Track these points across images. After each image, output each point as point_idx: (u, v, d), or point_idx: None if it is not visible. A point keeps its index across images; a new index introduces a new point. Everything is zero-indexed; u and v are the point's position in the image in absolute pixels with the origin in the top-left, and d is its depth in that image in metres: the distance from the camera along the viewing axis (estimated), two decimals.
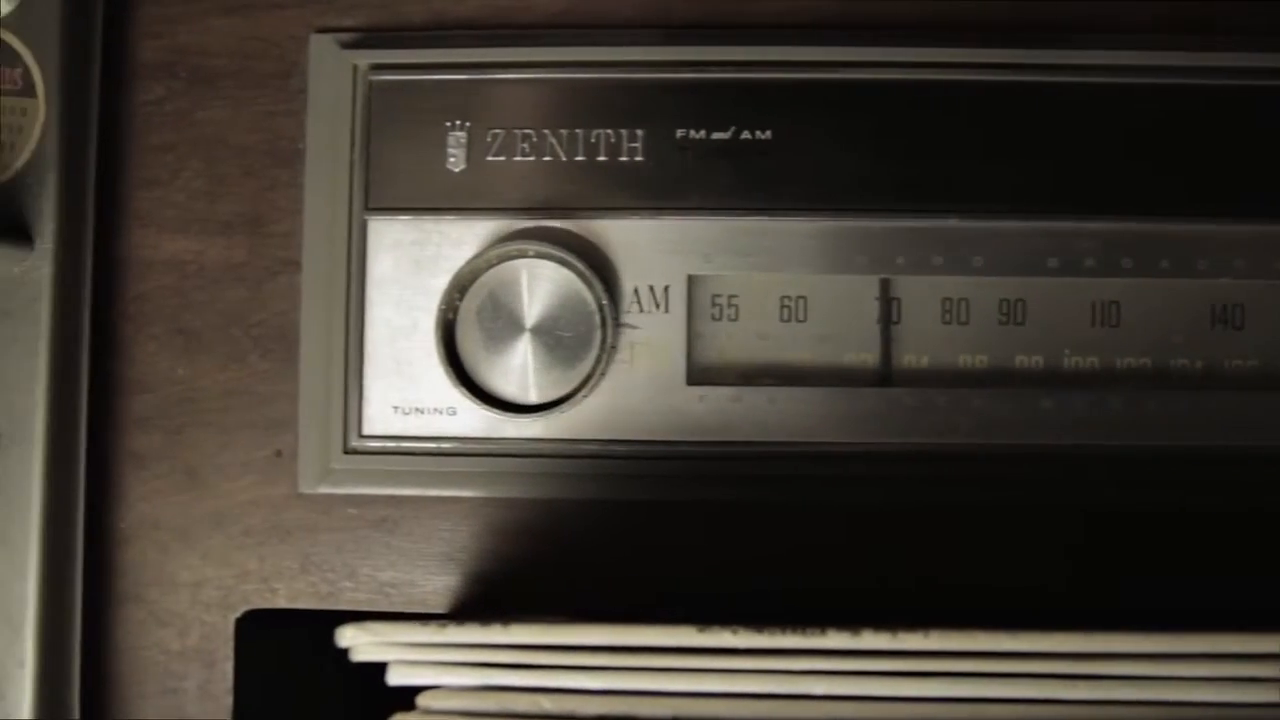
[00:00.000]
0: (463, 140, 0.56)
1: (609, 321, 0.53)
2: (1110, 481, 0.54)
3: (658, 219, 0.55)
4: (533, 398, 0.54)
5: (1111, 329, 0.55)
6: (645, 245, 0.55)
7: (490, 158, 0.56)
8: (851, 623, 0.42)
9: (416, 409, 0.55)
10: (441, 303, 0.53)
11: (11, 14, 0.55)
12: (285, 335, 0.58)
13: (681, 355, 0.55)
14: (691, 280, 0.55)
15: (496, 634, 0.43)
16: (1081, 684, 0.43)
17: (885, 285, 0.55)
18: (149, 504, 0.58)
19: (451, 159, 0.56)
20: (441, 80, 0.56)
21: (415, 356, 0.55)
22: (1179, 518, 0.54)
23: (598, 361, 0.53)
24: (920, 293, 0.55)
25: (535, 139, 0.55)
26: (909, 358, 0.55)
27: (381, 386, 0.56)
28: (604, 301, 0.53)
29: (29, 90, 0.55)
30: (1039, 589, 0.54)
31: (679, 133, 0.55)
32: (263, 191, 0.58)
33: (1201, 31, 0.54)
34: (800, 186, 0.55)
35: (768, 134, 0.55)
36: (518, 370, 0.54)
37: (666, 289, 0.55)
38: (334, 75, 0.57)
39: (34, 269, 0.55)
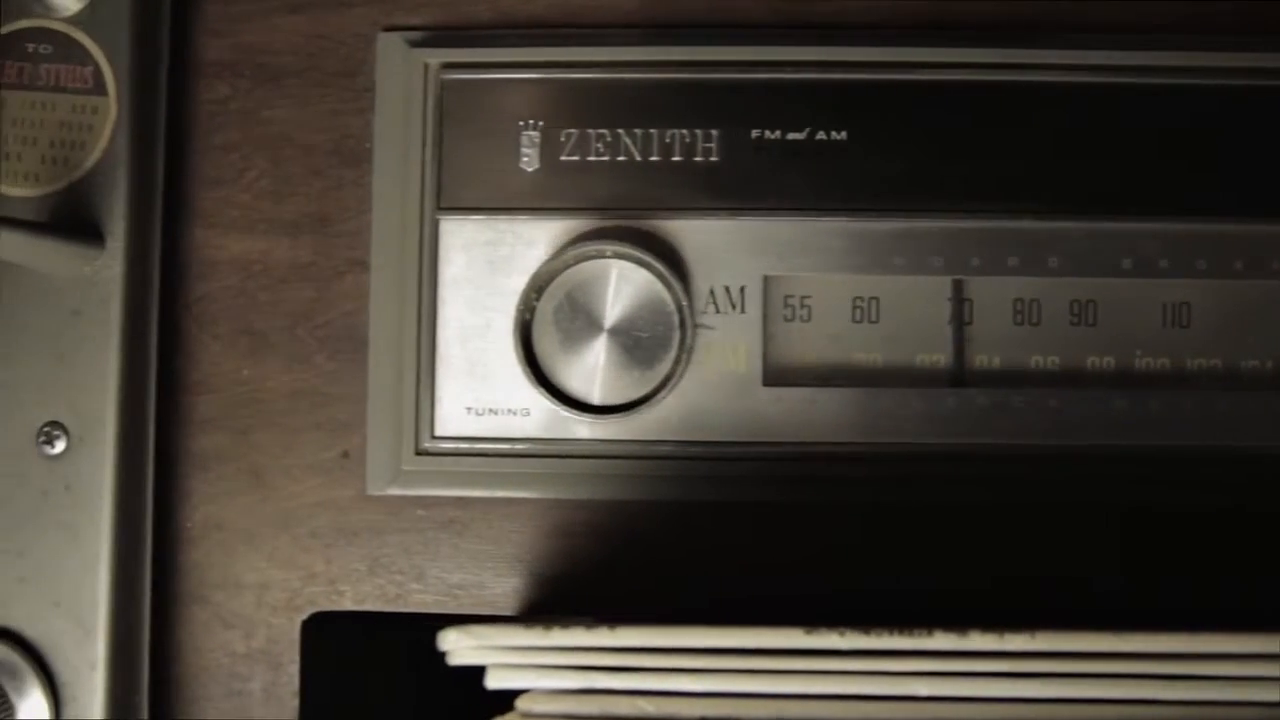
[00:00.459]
0: (536, 140, 0.55)
1: (688, 322, 0.53)
2: (1185, 482, 0.54)
3: (732, 219, 0.55)
4: (601, 398, 0.54)
5: (1182, 330, 0.55)
6: (720, 246, 0.55)
7: (564, 157, 0.55)
8: (958, 624, 0.42)
9: (490, 410, 0.55)
10: (519, 303, 0.53)
11: (81, 12, 0.55)
12: (352, 336, 0.57)
13: (758, 356, 0.55)
14: (767, 281, 0.55)
15: (602, 637, 0.43)
16: (1181, 685, 0.43)
17: (958, 286, 0.55)
18: (214, 505, 0.58)
19: (525, 158, 0.55)
20: (514, 79, 0.56)
21: (488, 357, 0.55)
22: (1256, 519, 0.54)
23: (676, 362, 0.53)
24: (992, 294, 0.55)
25: (609, 139, 0.55)
26: (981, 358, 0.55)
27: (454, 387, 0.55)
28: (684, 302, 0.52)
29: (99, 89, 0.54)
30: (1115, 588, 0.54)
31: (754, 133, 0.55)
32: (329, 191, 0.58)
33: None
34: (875, 187, 0.55)
35: (843, 135, 0.55)
36: (590, 371, 0.54)
37: (742, 290, 0.55)
38: (403, 74, 0.56)
39: (105, 268, 0.54)
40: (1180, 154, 0.55)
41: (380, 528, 0.57)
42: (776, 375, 0.55)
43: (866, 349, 0.56)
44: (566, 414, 0.53)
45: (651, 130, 0.55)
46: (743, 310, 0.55)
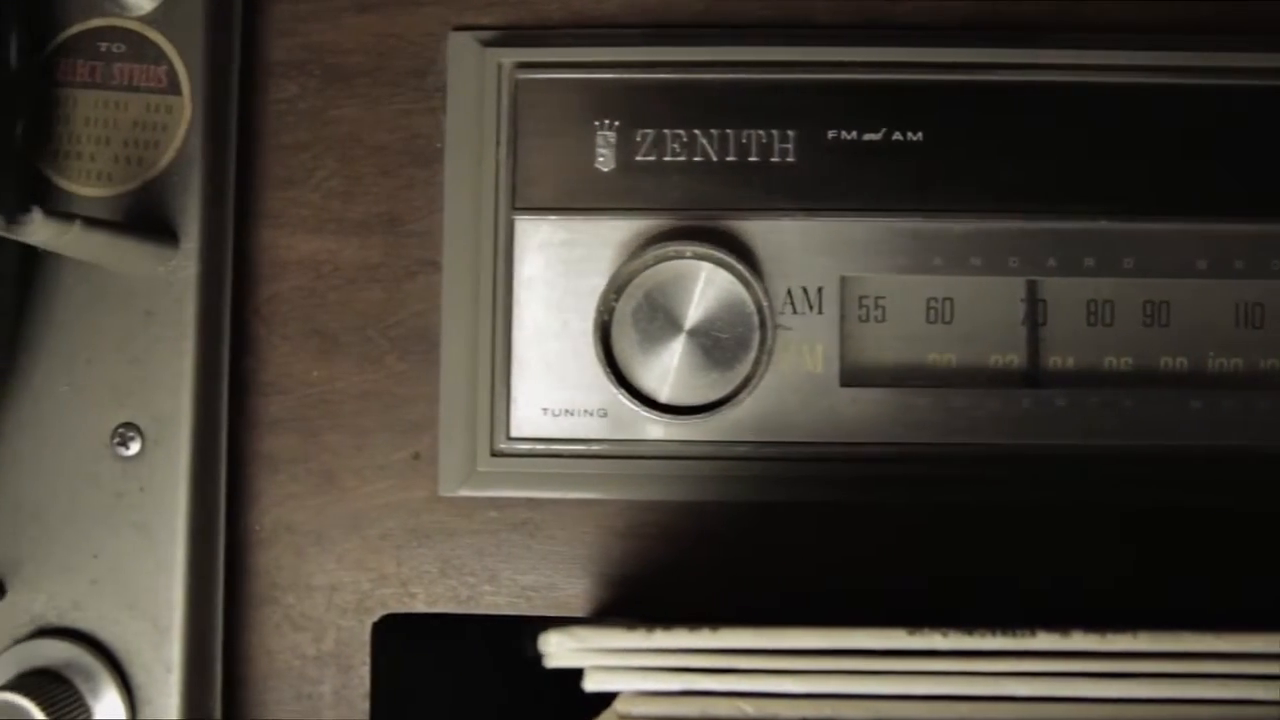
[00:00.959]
0: (612, 140, 0.55)
1: (769, 323, 0.52)
2: (1260, 482, 0.54)
3: (808, 220, 0.55)
4: (670, 398, 0.54)
5: (1256, 330, 0.55)
6: (795, 246, 0.55)
7: (640, 158, 0.55)
8: (1060, 624, 0.42)
9: (566, 411, 0.55)
10: (599, 304, 0.53)
11: (154, 11, 0.54)
12: (424, 336, 0.57)
13: (835, 357, 0.55)
14: (843, 281, 0.55)
15: (705, 638, 0.42)
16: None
17: (1032, 287, 0.55)
18: (283, 507, 0.57)
19: (600, 158, 0.55)
20: (589, 79, 0.55)
21: (565, 358, 0.55)
22: None
23: (756, 363, 0.53)
24: (1066, 295, 0.55)
25: (686, 139, 0.55)
26: (1054, 359, 0.55)
27: (529, 388, 0.55)
28: (764, 303, 0.52)
29: (174, 88, 0.54)
30: (1193, 588, 0.54)
31: (830, 134, 0.55)
32: (399, 191, 0.58)
33: None
34: (952, 188, 0.55)
35: (919, 135, 0.55)
36: (664, 371, 0.53)
37: (820, 290, 0.55)
38: (475, 74, 0.56)
39: (180, 268, 0.54)
40: (1258, 155, 0.54)
41: (452, 529, 0.57)
42: (853, 376, 0.55)
43: (940, 349, 0.55)
44: (647, 415, 0.53)
45: (728, 130, 0.55)
46: (820, 311, 0.55)
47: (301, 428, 0.57)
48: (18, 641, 0.53)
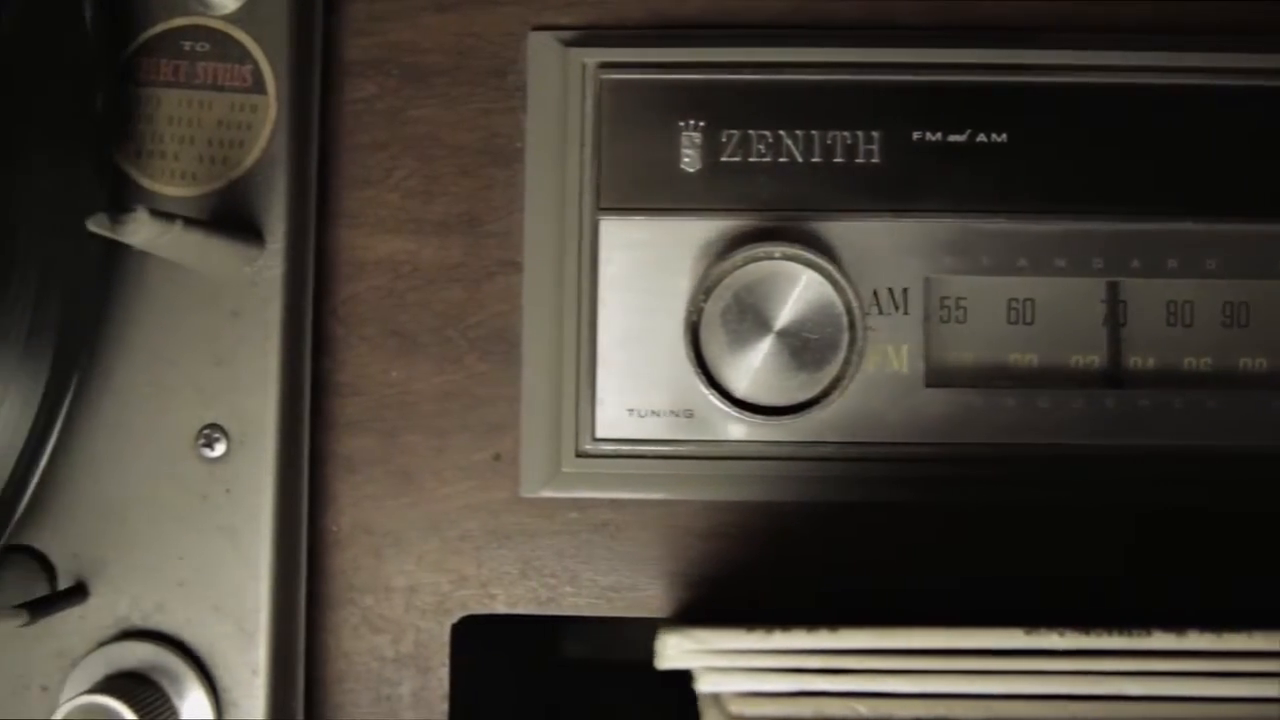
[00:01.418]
0: (697, 140, 0.55)
1: (859, 324, 0.52)
2: None
3: (893, 220, 0.55)
4: (756, 398, 0.54)
5: None
6: (882, 247, 0.55)
7: (725, 158, 0.55)
8: (1175, 624, 0.42)
9: (653, 412, 0.55)
10: (688, 304, 0.53)
11: (238, 11, 0.54)
12: (504, 337, 0.57)
13: (920, 357, 0.55)
14: (928, 282, 0.55)
15: (823, 639, 0.42)
16: None
17: (1113, 288, 0.55)
18: (361, 509, 0.57)
19: (685, 159, 0.55)
20: (674, 80, 0.55)
21: (650, 358, 0.55)
22: None
23: (846, 364, 0.53)
24: (1146, 295, 0.55)
25: (771, 140, 0.55)
26: (1134, 360, 0.56)
27: (614, 389, 0.55)
28: (854, 304, 0.52)
29: (259, 87, 0.54)
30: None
31: (915, 135, 0.55)
32: (479, 191, 0.57)
33: None
34: (1036, 189, 0.55)
35: (1003, 137, 0.55)
36: (750, 372, 0.53)
37: (905, 291, 0.55)
38: (558, 73, 0.56)
39: (266, 268, 0.54)
40: None
41: (533, 530, 0.57)
42: (938, 376, 0.55)
43: (1022, 350, 0.56)
44: (738, 416, 0.53)
45: (813, 131, 0.55)
46: (905, 311, 0.55)
47: (379, 429, 0.57)
48: (102, 644, 0.53)
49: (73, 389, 0.51)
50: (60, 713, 0.50)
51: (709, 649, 0.43)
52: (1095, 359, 0.56)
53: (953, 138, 0.55)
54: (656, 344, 0.55)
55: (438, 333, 0.57)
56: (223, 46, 0.54)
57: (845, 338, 0.53)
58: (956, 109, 0.55)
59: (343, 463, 0.57)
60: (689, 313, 0.53)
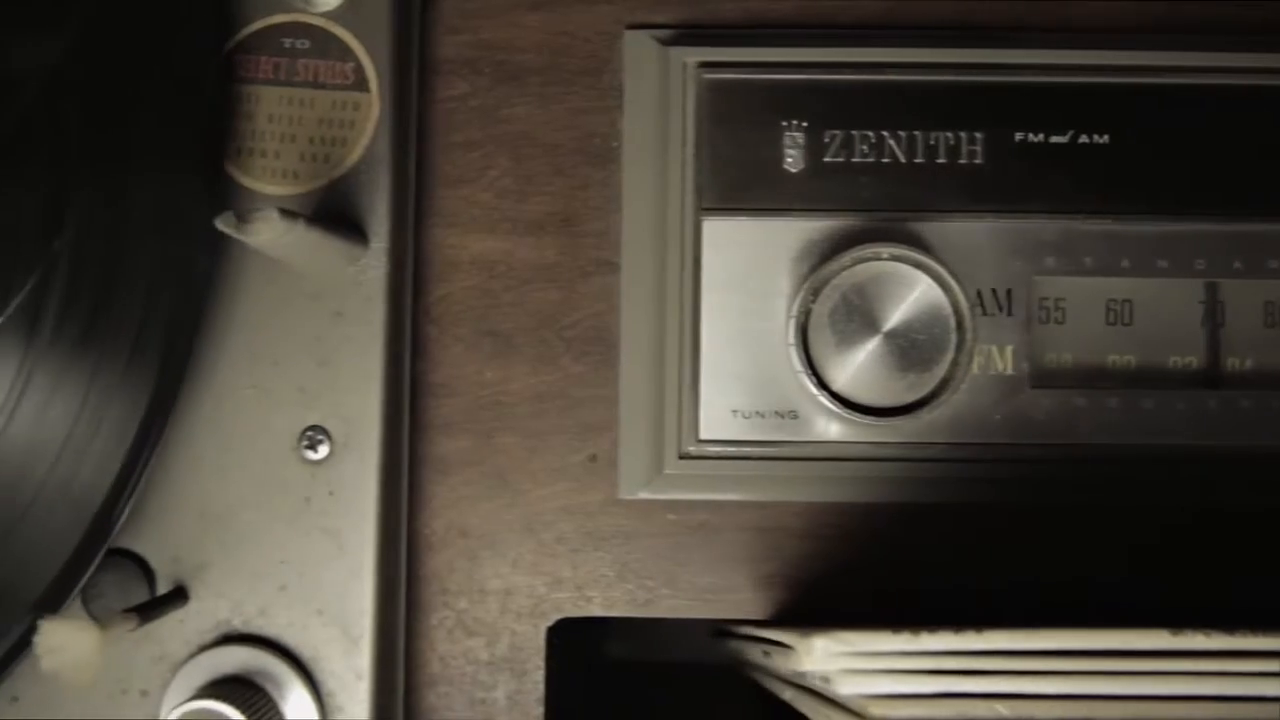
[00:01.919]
0: (800, 141, 0.55)
1: (967, 325, 0.52)
2: None
3: (996, 221, 0.55)
4: (859, 399, 0.54)
5: None
6: (983, 248, 0.55)
7: (828, 159, 0.55)
8: None
9: (758, 413, 0.55)
10: (797, 305, 0.53)
11: (340, 7, 0.53)
12: (601, 337, 0.57)
13: (1025, 358, 0.55)
14: (1032, 282, 0.55)
15: (971, 640, 0.42)
16: None
17: (1212, 289, 0.55)
18: (456, 510, 0.57)
19: (788, 159, 0.55)
20: (775, 80, 0.55)
21: (754, 359, 0.55)
22: None
23: (955, 364, 0.53)
24: (1244, 296, 0.56)
25: (874, 140, 0.55)
26: (1232, 360, 0.56)
27: (717, 390, 0.55)
28: (962, 305, 0.52)
29: (360, 85, 0.53)
30: None
31: (1017, 136, 0.55)
32: (574, 190, 0.57)
33: None
34: (1138, 190, 0.55)
35: (1105, 138, 0.55)
36: (859, 373, 0.53)
37: (1009, 292, 0.55)
38: (655, 73, 0.56)
39: (369, 268, 0.53)
40: None
41: (630, 532, 0.56)
42: (1042, 377, 0.55)
43: (1121, 350, 0.56)
44: (849, 417, 0.53)
45: (916, 132, 0.55)
46: (1009, 313, 0.55)
47: (474, 430, 0.57)
48: (204, 648, 0.52)
49: (177, 395, 0.51)
50: (175, 714, 0.49)
51: (856, 651, 0.42)
52: (1193, 360, 0.56)
53: (1055, 139, 0.55)
54: (759, 345, 0.55)
55: (532, 333, 0.57)
56: (323, 43, 0.53)
57: (954, 339, 0.53)
58: (1058, 110, 0.55)
59: (436, 464, 0.57)
60: (798, 314, 0.53)
